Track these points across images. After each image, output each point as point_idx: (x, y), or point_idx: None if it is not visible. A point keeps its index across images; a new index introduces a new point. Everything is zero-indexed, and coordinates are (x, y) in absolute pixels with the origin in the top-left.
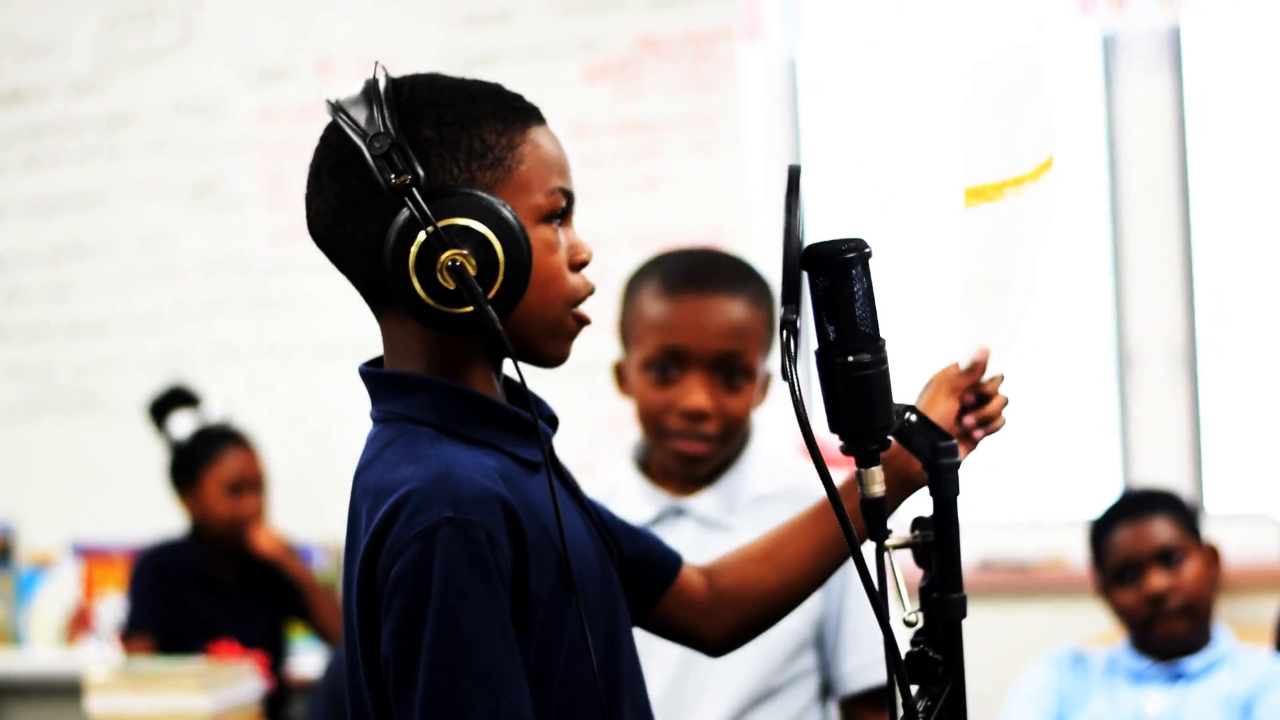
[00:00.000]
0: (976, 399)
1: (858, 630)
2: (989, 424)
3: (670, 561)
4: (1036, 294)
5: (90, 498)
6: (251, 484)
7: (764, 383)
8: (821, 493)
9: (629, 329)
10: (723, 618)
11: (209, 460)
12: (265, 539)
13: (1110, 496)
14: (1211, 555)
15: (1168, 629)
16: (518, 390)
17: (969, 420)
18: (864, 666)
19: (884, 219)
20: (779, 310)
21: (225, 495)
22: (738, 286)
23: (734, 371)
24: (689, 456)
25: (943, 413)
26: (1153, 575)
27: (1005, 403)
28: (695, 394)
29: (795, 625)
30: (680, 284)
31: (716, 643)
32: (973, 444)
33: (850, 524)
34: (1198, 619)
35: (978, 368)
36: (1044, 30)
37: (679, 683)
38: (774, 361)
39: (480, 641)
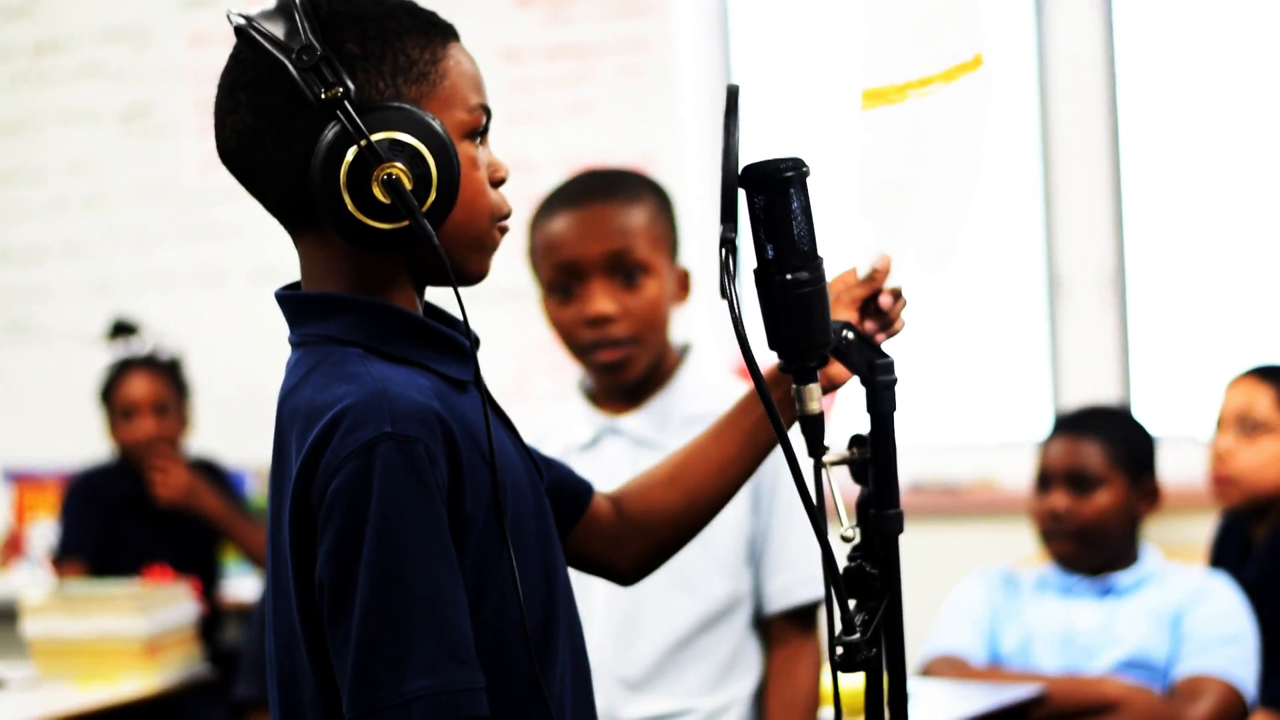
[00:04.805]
0: (878, 303)
1: (783, 547)
2: (889, 327)
3: (582, 491)
4: (962, 205)
5: (22, 424)
6: (147, 408)
7: (681, 279)
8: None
9: (534, 267)
10: (633, 544)
11: (111, 387)
12: (164, 489)
13: (1076, 406)
14: (1140, 492)
15: (1056, 547)
16: (437, 313)
17: (869, 325)
18: (786, 586)
19: (815, 139)
20: (673, 203)
21: (120, 420)
22: (610, 189)
23: (629, 269)
24: (608, 365)
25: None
26: (1055, 493)
27: (905, 305)
28: (594, 300)
29: (730, 548)
30: (555, 205)
31: (629, 571)
32: None
33: (783, 427)
34: (1092, 545)
35: (878, 275)
36: None
37: (614, 612)
38: (689, 259)
39: (421, 561)
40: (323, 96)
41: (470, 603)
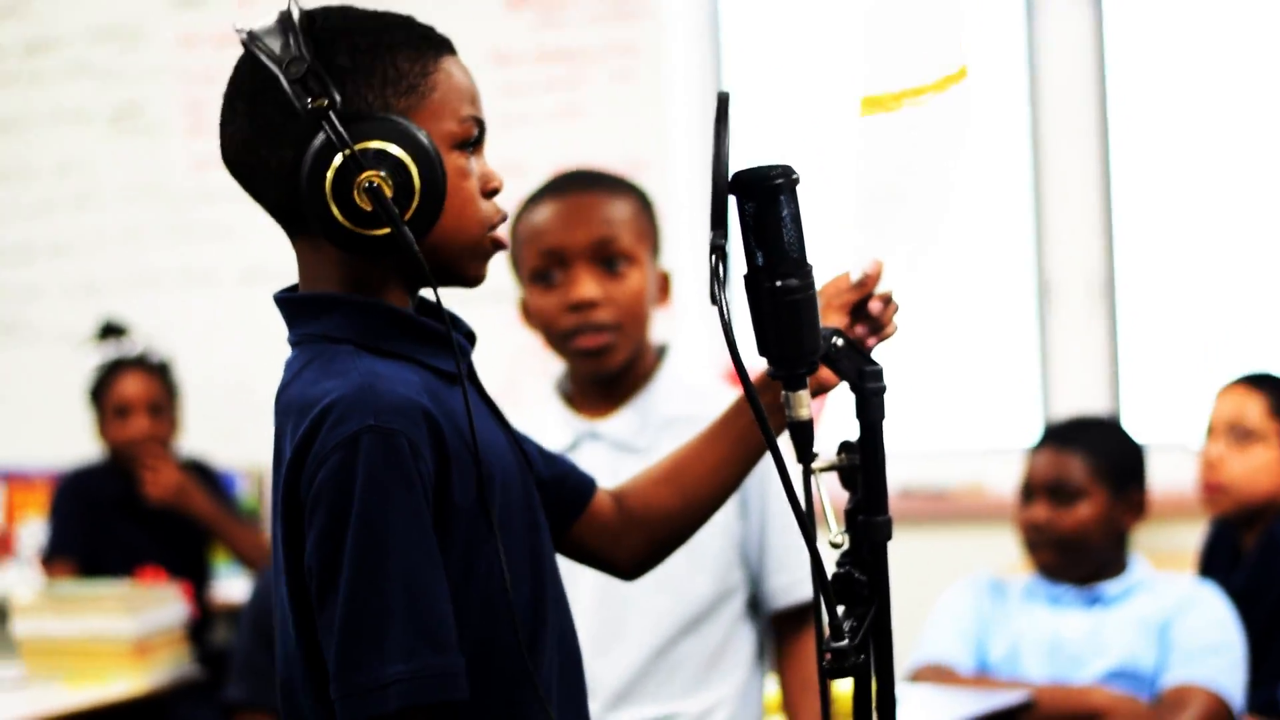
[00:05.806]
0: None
1: (783, 547)
2: (880, 331)
3: (584, 486)
4: (946, 208)
5: (12, 423)
6: (141, 407)
7: (662, 281)
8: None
9: (516, 260)
10: (632, 540)
11: (103, 386)
12: (155, 488)
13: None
14: (1125, 505)
15: (1039, 557)
16: (432, 310)
17: (860, 330)
18: (789, 584)
19: (806, 146)
20: (655, 207)
21: (113, 420)
22: (595, 182)
23: (612, 257)
24: (591, 350)
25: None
26: (1037, 505)
27: (896, 309)
28: (579, 285)
29: (717, 549)
30: (541, 196)
31: (629, 566)
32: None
33: (772, 434)
34: (1074, 556)
35: (869, 280)
36: None
37: (598, 616)
38: (671, 262)
39: (402, 548)
40: (310, 106)
41: (457, 590)
